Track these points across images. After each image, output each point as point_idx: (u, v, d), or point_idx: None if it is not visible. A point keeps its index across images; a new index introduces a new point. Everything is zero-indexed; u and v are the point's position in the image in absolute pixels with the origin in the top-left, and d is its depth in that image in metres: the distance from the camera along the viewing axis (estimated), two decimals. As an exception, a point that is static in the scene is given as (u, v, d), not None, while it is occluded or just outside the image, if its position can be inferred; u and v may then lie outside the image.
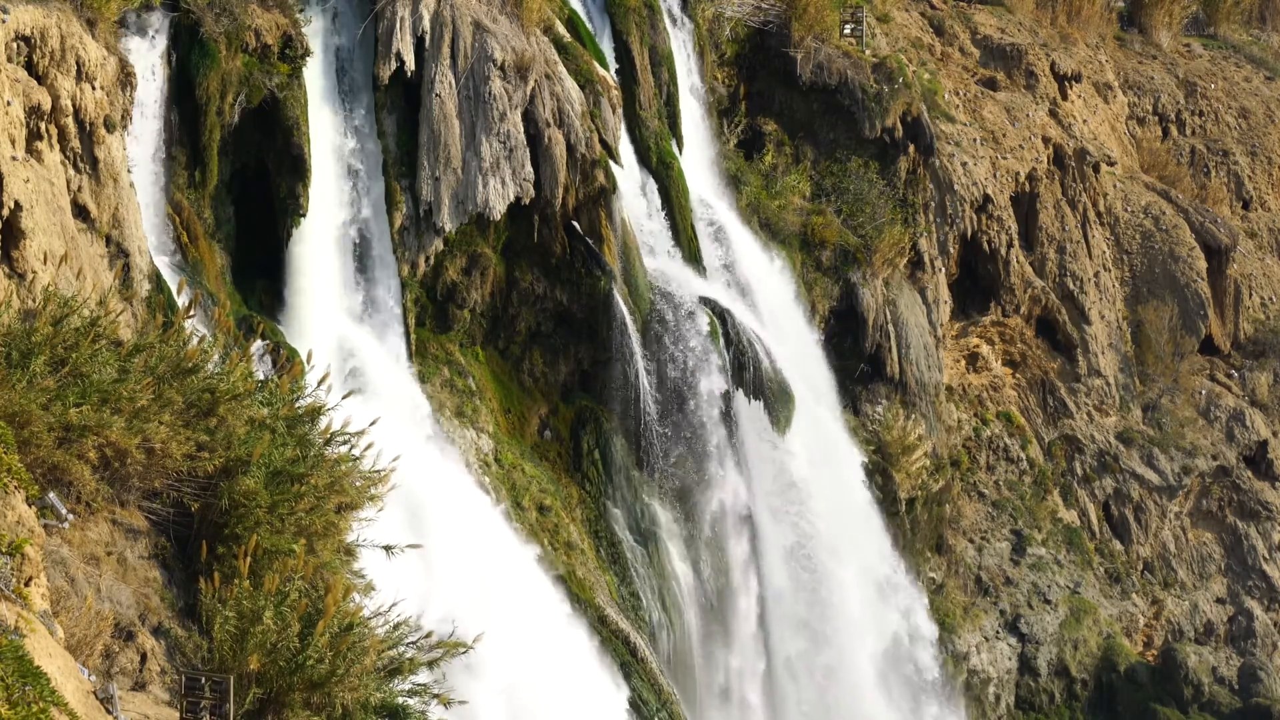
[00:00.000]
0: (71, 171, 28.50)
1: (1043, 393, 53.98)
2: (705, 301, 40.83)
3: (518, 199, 37.51)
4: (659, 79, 43.24)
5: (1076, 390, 54.14)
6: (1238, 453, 56.07)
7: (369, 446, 21.61)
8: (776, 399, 41.19)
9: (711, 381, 40.06)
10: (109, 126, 29.22)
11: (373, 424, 22.14)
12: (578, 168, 38.35)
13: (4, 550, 15.12)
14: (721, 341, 40.41)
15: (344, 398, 22.75)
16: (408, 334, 36.79)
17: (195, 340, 21.09)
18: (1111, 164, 57.67)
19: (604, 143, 39.06)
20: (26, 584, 15.35)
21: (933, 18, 57.75)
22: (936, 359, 48.60)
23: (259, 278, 35.07)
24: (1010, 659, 49.22)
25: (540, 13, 39.08)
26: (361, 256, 36.52)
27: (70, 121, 28.34)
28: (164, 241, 32.67)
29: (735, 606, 41.00)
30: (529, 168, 37.46)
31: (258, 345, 28.69)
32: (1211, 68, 66.70)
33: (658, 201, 42.26)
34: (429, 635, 19.89)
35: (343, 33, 36.81)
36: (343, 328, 35.67)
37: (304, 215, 34.70)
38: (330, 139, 36.00)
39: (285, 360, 30.52)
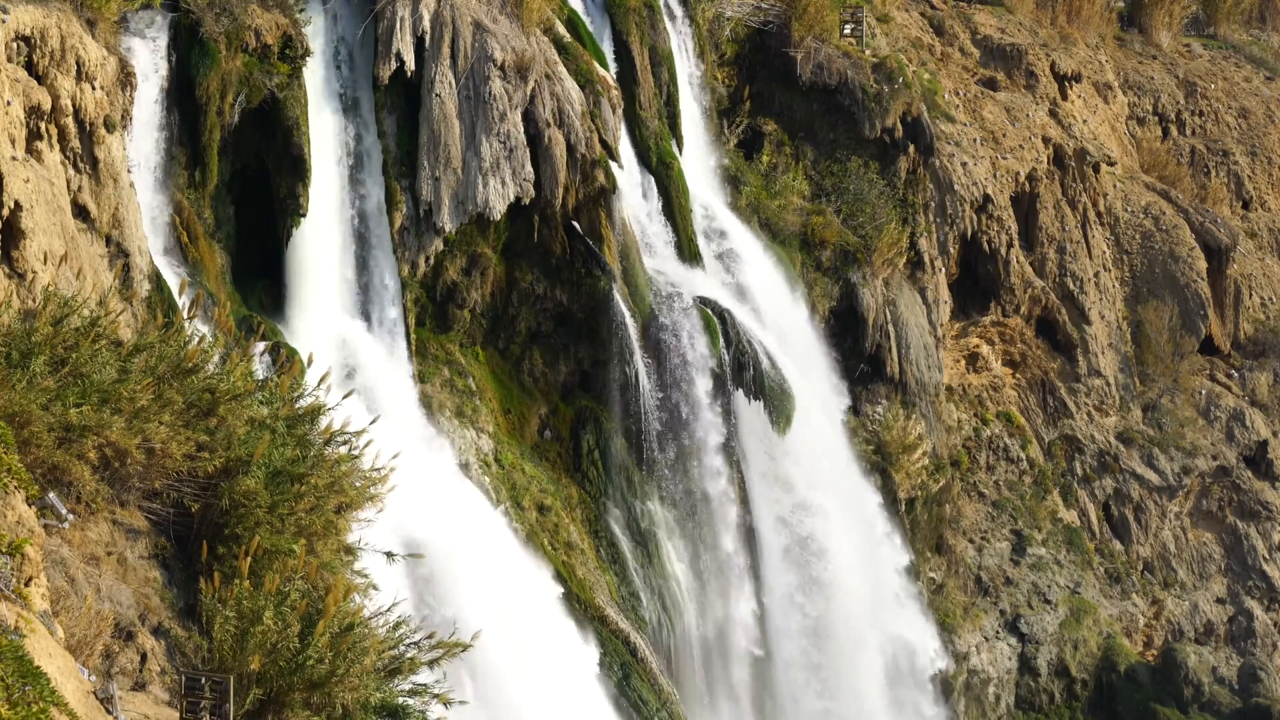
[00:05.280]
0: (71, 171, 28.51)
1: (1043, 393, 53.98)
2: (705, 301, 40.83)
3: (518, 199, 37.52)
4: (659, 79, 43.24)
5: (1076, 390, 54.13)
6: (1238, 453, 56.06)
7: (368, 444, 21.63)
8: (776, 399, 41.18)
9: (711, 382, 40.06)
10: (109, 126, 29.23)
11: (372, 423, 22.16)
12: (578, 168, 38.36)
13: (4, 550, 15.13)
14: (721, 341, 40.40)
15: (344, 397, 22.77)
16: (408, 334, 36.79)
17: (195, 340, 21.10)
18: (1111, 164, 57.67)
19: (604, 143, 39.06)
20: (26, 584, 15.36)
21: (933, 18, 57.74)
22: (936, 359, 48.60)
23: (259, 278, 35.07)
24: (1010, 659, 49.22)
25: (540, 13, 39.09)
26: (361, 257, 36.53)
27: (70, 121, 28.35)
28: (164, 241, 32.67)
29: (734, 606, 40.98)
30: (529, 168, 37.47)
31: (258, 345, 28.68)
32: (1211, 68, 66.70)
33: (658, 201, 42.26)
34: (430, 635, 19.89)
35: (343, 33, 36.82)
36: (343, 328, 35.68)
37: (304, 215, 34.70)
38: (330, 139, 36.00)
39: (285, 360, 30.54)
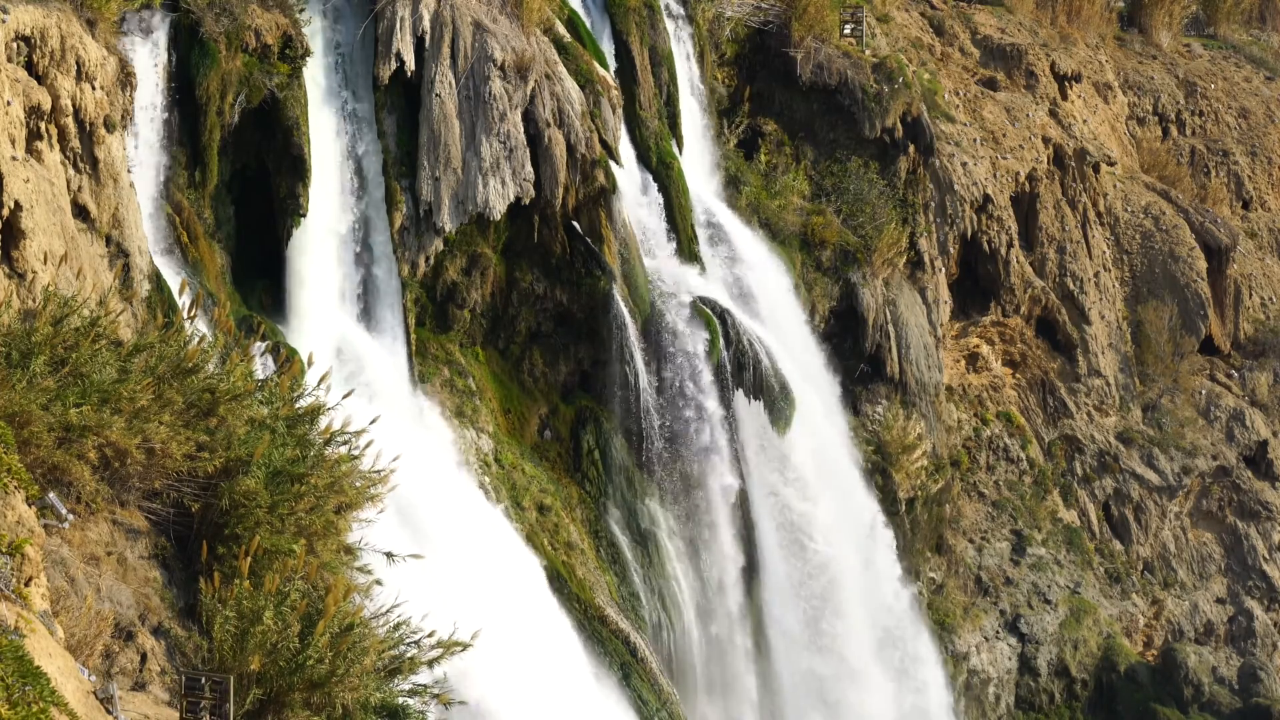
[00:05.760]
0: (71, 171, 28.50)
1: (1043, 393, 53.98)
2: (705, 301, 40.83)
3: (518, 199, 37.51)
4: (659, 79, 43.24)
5: (1076, 390, 54.14)
6: (1238, 453, 56.06)
7: (368, 445, 21.62)
8: (776, 399, 41.19)
9: (711, 382, 40.06)
10: (109, 126, 29.23)
11: (372, 423, 22.15)
12: (578, 168, 38.35)
13: (4, 550, 15.13)
14: (721, 341, 40.40)
15: (344, 397, 22.76)
16: (408, 334, 36.79)
17: (195, 340, 21.09)
18: (1111, 164, 57.66)
19: (604, 143, 39.05)
20: (26, 584, 15.36)
21: (933, 18, 57.74)
22: (936, 359, 48.60)
23: (259, 278, 35.06)
24: (1010, 659, 49.22)
25: (540, 13, 39.08)
26: (361, 256, 36.53)
27: (70, 121, 28.34)
28: (164, 241, 32.67)
29: (734, 606, 41.00)
30: (529, 168, 37.46)
31: (258, 345, 28.67)
32: (1211, 68, 66.70)
33: (658, 201, 42.25)
34: (430, 634, 19.89)
35: (343, 33, 36.82)
36: (343, 328, 35.67)
37: (304, 215, 34.69)
38: (330, 139, 35.99)
39: (285, 360, 30.52)
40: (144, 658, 18.09)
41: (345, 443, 21.56)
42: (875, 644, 44.08)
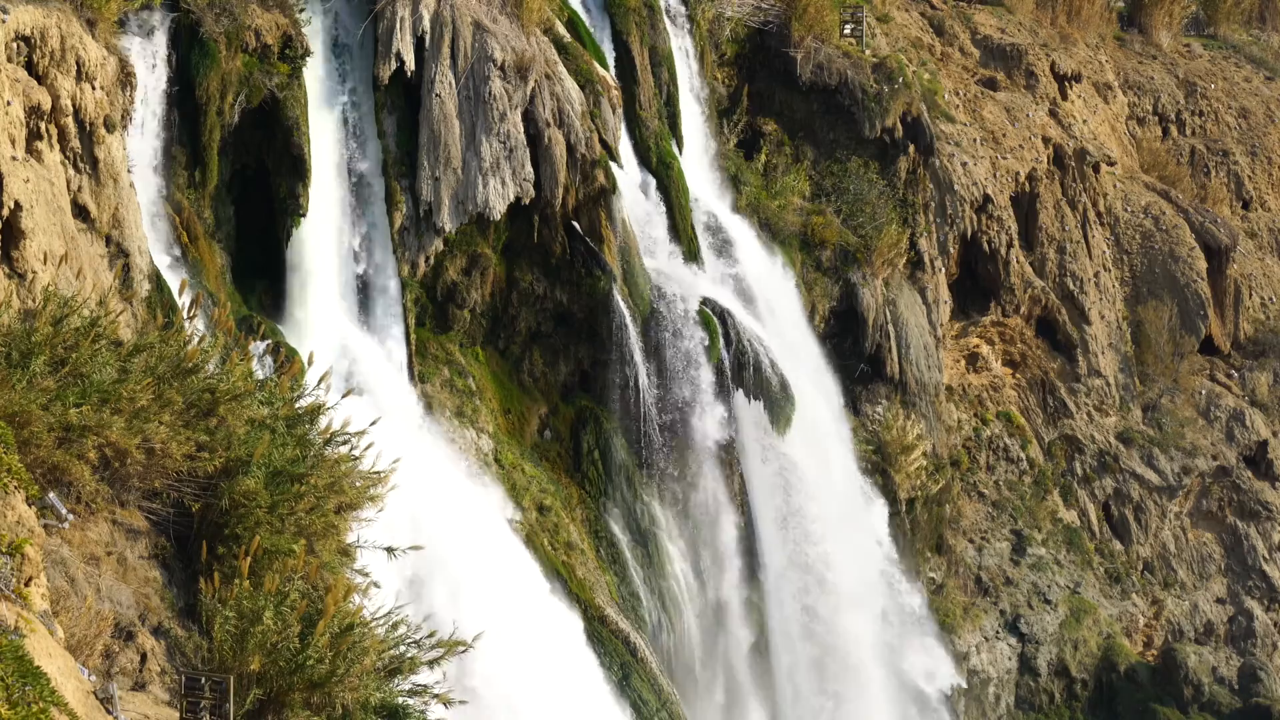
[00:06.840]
0: (71, 171, 28.50)
1: (1043, 393, 53.97)
2: (705, 301, 40.84)
3: (518, 199, 37.52)
4: (659, 79, 43.25)
5: (1076, 390, 54.13)
6: (1238, 453, 56.06)
7: (369, 446, 21.62)
8: (776, 399, 41.20)
9: (711, 382, 40.07)
10: (109, 126, 29.22)
11: (373, 424, 22.15)
12: (578, 168, 38.36)
13: (4, 550, 15.12)
14: (721, 341, 40.41)
15: (343, 397, 22.77)
16: (408, 334, 36.80)
17: (195, 340, 21.09)
18: (1111, 164, 57.66)
19: (604, 143, 39.06)
20: (26, 584, 15.36)
21: (933, 18, 57.74)
22: (936, 359, 48.60)
23: (259, 278, 35.07)
24: (1010, 659, 49.22)
25: (540, 13, 39.09)
26: (361, 256, 36.53)
27: (70, 121, 28.34)
28: (164, 241, 32.67)
29: (734, 606, 41.01)
30: (529, 168, 37.47)
31: (258, 345, 28.67)
32: (1211, 68, 66.70)
33: (658, 201, 42.26)
34: (430, 634, 19.89)
35: (343, 33, 36.82)
36: (343, 328, 35.68)
37: (304, 215, 34.70)
38: (330, 139, 36.00)
39: (285, 360, 30.52)
40: (144, 658, 18.09)
41: (345, 443, 21.57)
42: (875, 641, 44.09)
